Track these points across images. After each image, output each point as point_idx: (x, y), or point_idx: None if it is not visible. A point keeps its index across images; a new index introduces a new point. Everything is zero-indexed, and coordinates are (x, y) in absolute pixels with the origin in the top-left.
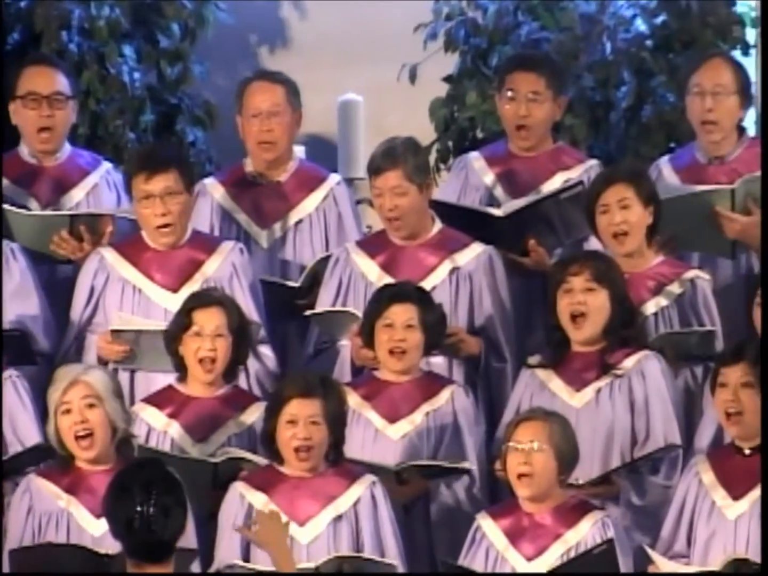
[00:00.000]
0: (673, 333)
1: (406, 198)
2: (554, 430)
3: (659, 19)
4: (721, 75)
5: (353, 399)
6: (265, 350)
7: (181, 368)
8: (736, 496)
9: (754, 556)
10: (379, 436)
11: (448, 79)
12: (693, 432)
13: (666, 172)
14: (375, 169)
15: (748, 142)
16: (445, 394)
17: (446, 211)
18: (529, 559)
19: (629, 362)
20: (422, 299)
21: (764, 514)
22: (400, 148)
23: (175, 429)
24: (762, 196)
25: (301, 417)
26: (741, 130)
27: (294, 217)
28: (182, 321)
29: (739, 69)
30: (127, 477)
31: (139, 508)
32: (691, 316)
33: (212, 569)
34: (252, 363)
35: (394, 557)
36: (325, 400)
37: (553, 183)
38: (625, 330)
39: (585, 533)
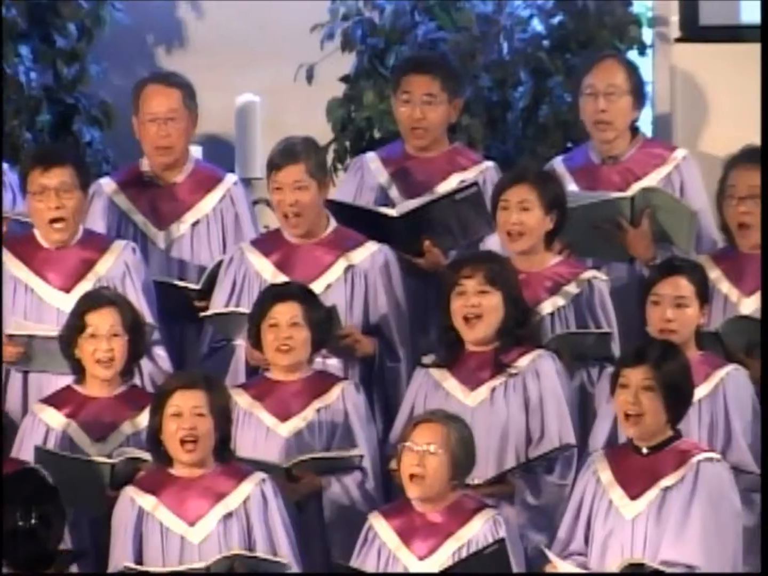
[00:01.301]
0: (569, 333)
1: (306, 193)
2: (452, 435)
3: (556, 20)
4: (613, 75)
5: (244, 400)
6: (159, 351)
7: (78, 370)
8: (634, 495)
9: (651, 556)
10: (270, 434)
11: (345, 79)
12: (588, 432)
13: (560, 173)
14: (277, 163)
15: (641, 143)
16: (335, 391)
17: (342, 211)
18: (421, 558)
19: (524, 361)
20: (306, 297)
21: (764, 514)
22: (300, 145)
23: (73, 429)
24: (762, 196)
25: (185, 408)
26: (635, 130)
27: (191, 217)
28: (76, 324)
29: (632, 70)
30: (7, 490)
31: (21, 522)
32: (587, 316)
33: (108, 570)
34: (146, 364)
35: (286, 555)
36: (209, 392)
37: (449, 184)
38: (519, 329)
39: (476, 531)
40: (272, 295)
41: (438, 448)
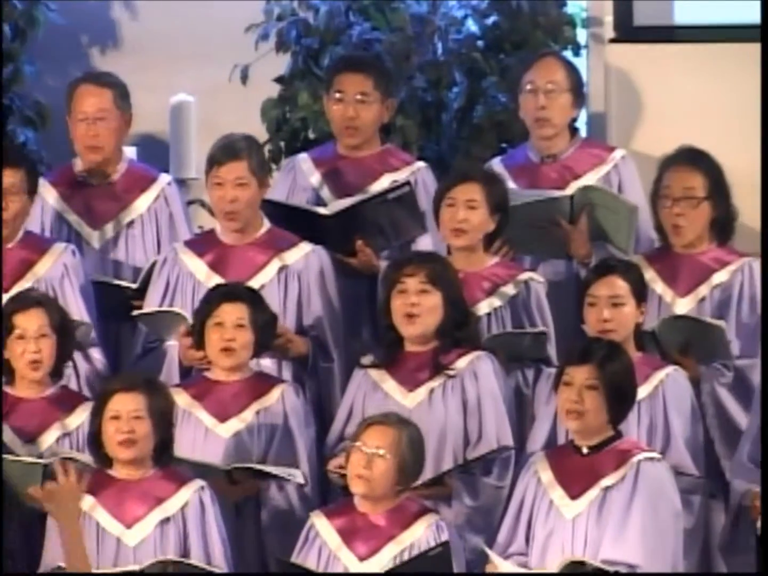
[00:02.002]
0: (506, 334)
1: (247, 190)
2: (403, 440)
3: (490, 20)
4: (553, 73)
5: (183, 399)
6: (95, 353)
7: (8, 372)
8: (574, 495)
9: (591, 555)
10: (209, 435)
11: (279, 79)
12: (524, 433)
13: (499, 172)
14: (218, 159)
15: (580, 142)
16: (275, 393)
17: (275, 211)
18: (362, 559)
19: (462, 363)
20: (253, 299)
21: (764, 514)
22: (243, 142)
23: (3, 430)
24: (762, 196)
25: (123, 411)
26: (574, 130)
27: (125, 217)
28: (5, 325)
29: (571, 68)
30: None
31: None
32: (523, 317)
33: (40, 570)
34: (82, 365)
35: (220, 564)
36: (149, 395)
37: (380, 184)
38: (458, 331)
39: (419, 535)
40: (220, 294)
41: (387, 452)
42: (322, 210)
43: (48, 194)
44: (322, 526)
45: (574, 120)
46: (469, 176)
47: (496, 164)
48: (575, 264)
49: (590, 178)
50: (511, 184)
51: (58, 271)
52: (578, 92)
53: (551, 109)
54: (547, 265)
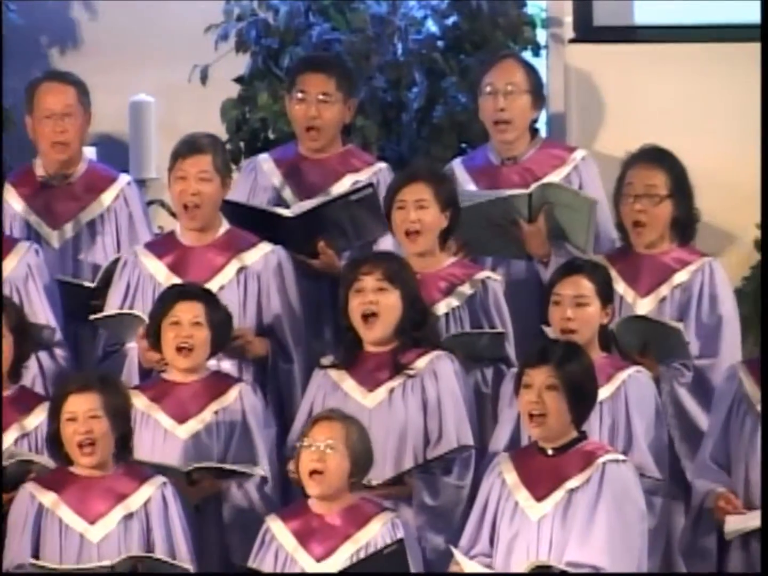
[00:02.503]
0: (464, 334)
1: (210, 186)
2: (351, 432)
3: (450, 20)
4: (513, 74)
5: (142, 401)
6: (61, 352)
7: None
8: (539, 497)
9: (556, 557)
10: (168, 436)
11: (239, 80)
12: (483, 432)
13: (459, 174)
14: (182, 153)
15: (541, 144)
16: (233, 393)
17: (236, 212)
18: (319, 559)
19: (422, 362)
20: (208, 298)
21: (764, 516)
22: (207, 138)
23: None
24: (762, 196)
25: (79, 412)
26: (534, 131)
27: (85, 217)
28: None
29: (531, 69)
30: None
31: None
32: (481, 317)
33: (3, 570)
34: (48, 365)
35: (185, 559)
36: (104, 393)
37: (342, 185)
38: (417, 330)
39: (375, 533)
40: (175, 293)
41: (338, 444)
42: (284, 212)
43: (8, 195)
44: (277, 528)
45: (534, 121)
46: (416, 176)
47: (457, 165)
48: (535, 263)
49: (551, 180)
50: (471, 186)
51: (22, 271)
52: (538, 93)
53: (511, 111)
54: (508, 265)
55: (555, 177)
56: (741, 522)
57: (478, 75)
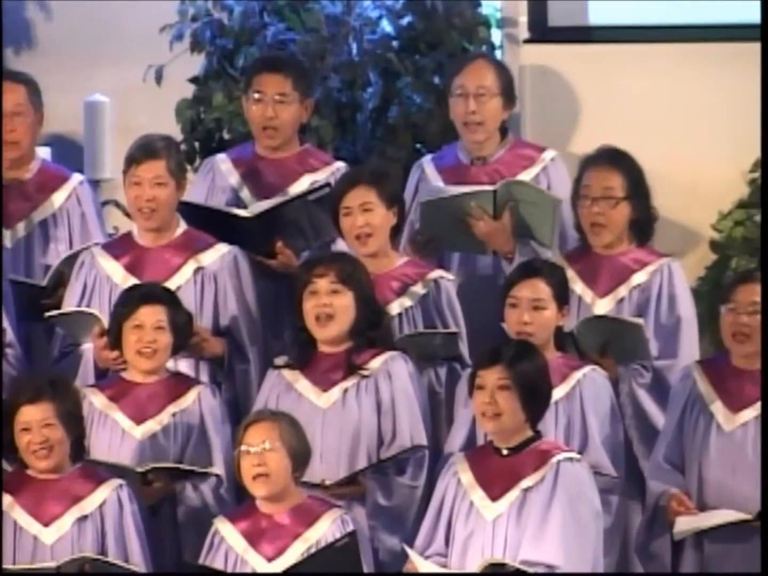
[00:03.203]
0: (417, 334)
1: (165, 190)
2: (284, 429)
3: (405, 21)
4: (484, 77)
5: (100, 400)
6: (12, 352)
7: None
8: (495, 496)
9: (511, 556)
10: (125, 436)
11: (194, 80)
12: (438, 433)
13: (429, 172)
14: (137, 158)
15: (511, 144)
16: (191, 395)
17: (193, 213)
18: (270, 559)
19: (376, 363)
20: (171, 300)
21: (764, 520)
22: (162, 142)
23: None
24: (762, 196)
25: (33, 423)
26: (504, 131)
27: (37, 216)
28: None
29: (502, 70)
30: None
31: None
32: (435, 316)
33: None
34: (4, 367)
35: (138, 562)
36: (56, 400)
37: (300, 185)
38: (371, 331)
39: (325, 531)
40: (138, 296)
41: (274, 442)
42: (242, 212)
43: None
44: (226, 531)
45: (505, 121)
46: (357, 180)
47: (427, 163)
48: (501, 259)
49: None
50: (440, 184)
51: None
52: (509, 95)
53: (481, 114)
54: (475, 262)
55: (524, 177)
56: (690, 523)
57: (449, 76)
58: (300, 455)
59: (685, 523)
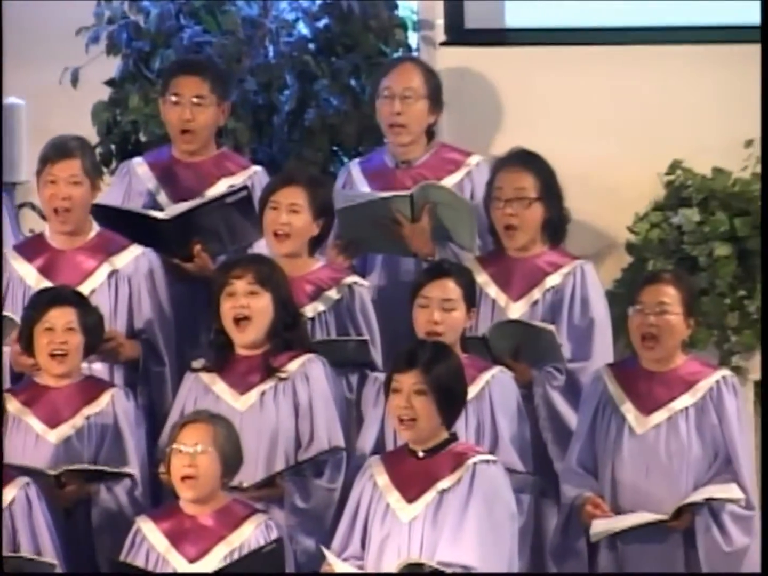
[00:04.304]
0: (329, 341)
1: (80, 189)
2: (219, 433)
3: (321, 23)
4: (410, 79)
5: (13, 405)
6: None
7: None
8: (411, 498)
9: (427, 558)
10: (39, 441)
11: (110, 82)
12: (350, 437)
13: (355, 175)
14: (51, 157)
15: (437, 148)
16: (105, 398)
17: (108, 215)
18: (192, 560)
19: (293, 365)
20: (80, 302)
21: (764, 520)
22: (76, 142)
23: None
24: (762, 196)
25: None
26: (431, 135)
27: None
28: None
29: (430, 74)
30: None
31: None
32: (348, 322)
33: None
34: None
35: (51, 556)
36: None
37: (217, 189)
38: (288, 332)
39: (248, 535)
40: (47, 299)
41: (207, 446)
42: (158, 214)
43: None
44: (148, 530)
45: (432, 125)
46: (293, 180)
47: (353, 166)
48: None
49: (442, 183)
50: (366, 188)
51: None
52: (436, 98)
53: (407, 116)
54: (397, 265)
55: (449, 181)
56: (606, 525)
57: (377, 78)
58: (231, 461)
59: (601, 526)
